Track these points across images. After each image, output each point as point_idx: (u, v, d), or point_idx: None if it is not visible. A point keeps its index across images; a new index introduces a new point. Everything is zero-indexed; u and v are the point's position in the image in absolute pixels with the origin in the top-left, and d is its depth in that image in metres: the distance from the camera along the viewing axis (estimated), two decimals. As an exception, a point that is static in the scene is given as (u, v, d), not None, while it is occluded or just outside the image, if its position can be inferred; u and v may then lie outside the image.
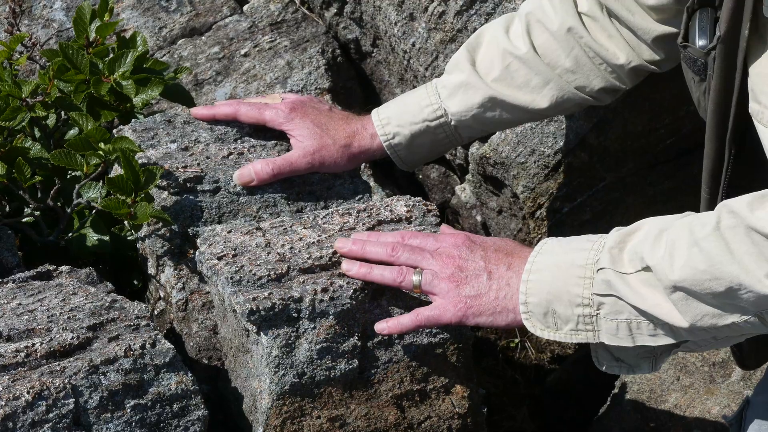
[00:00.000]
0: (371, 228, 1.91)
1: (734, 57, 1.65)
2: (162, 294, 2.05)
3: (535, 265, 1.74)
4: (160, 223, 2.00)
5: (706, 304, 1.60)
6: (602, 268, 1.67)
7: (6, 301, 1.80)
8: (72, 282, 1.88)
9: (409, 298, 1.84)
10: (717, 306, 1.60)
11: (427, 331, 1.85)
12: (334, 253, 1.84)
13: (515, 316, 1.75)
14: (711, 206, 1.84)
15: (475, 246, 1.80)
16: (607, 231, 2.60)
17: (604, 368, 1.79)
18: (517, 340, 2.78)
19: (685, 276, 1.59)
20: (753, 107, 1.66)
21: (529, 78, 2.10)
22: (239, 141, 2.11)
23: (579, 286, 1.69)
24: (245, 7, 2.98)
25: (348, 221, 1.92)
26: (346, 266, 1.82)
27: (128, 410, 1.69)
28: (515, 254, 1.78)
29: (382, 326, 1.81)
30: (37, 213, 2.08)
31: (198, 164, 2.04)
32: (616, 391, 2.40)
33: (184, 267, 2.01)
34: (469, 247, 1.80)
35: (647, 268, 1.64)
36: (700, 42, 1.71)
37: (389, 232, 1.87)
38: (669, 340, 1.68)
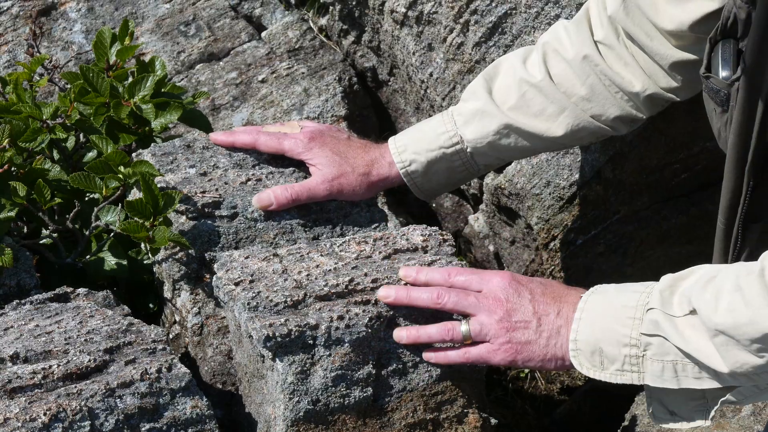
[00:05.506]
0: (387, 257, 1.92)
1: (758, 89, 1.66)
2: (177, 318, 2.05)
3: (588, 304, 1.76)
4: (177, 248, 2.00)
5: (745, 351, 1.61)
6: (652, 309, 1.69)
7: (24, 323, 1.80)
8: (89, 304, 1.88)
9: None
10: (755, 353, 1.61)
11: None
12: (351, 280, 1.85)
13: (563, 363, 1.77)
14: (726, 238, 1.85)
15: (522, 288, 1.80)
16: (619, 264, 2.61)
17: (660, 423, 1.79)
18: (526, 371, 2.77)
19: (726, 319, 1.60)
20: None
21: (544, 106, 2.10)
22: (257, 167, 2.12)
23: (627, 327, 1.70)
24: (263, 34, 3.00)
25: (364, 249, 1.93)
26: (398, 334, 1.83)
27: (143, 434, 1.69)
28: (563, 299, 1.79)
29: (429, 355, 1.84)
30: (55, 235, 2.09)
31: (216, 189, 2.05)
32: (626, 423, 2.39)
33: (200, 291, 2.01)
34: (516, 290, 1.80)
35: (694, 311, 1.65)
36: (723, 73, 1.71)
37: (437, 268, 1.87)
38: (714, 384, 1.69)
